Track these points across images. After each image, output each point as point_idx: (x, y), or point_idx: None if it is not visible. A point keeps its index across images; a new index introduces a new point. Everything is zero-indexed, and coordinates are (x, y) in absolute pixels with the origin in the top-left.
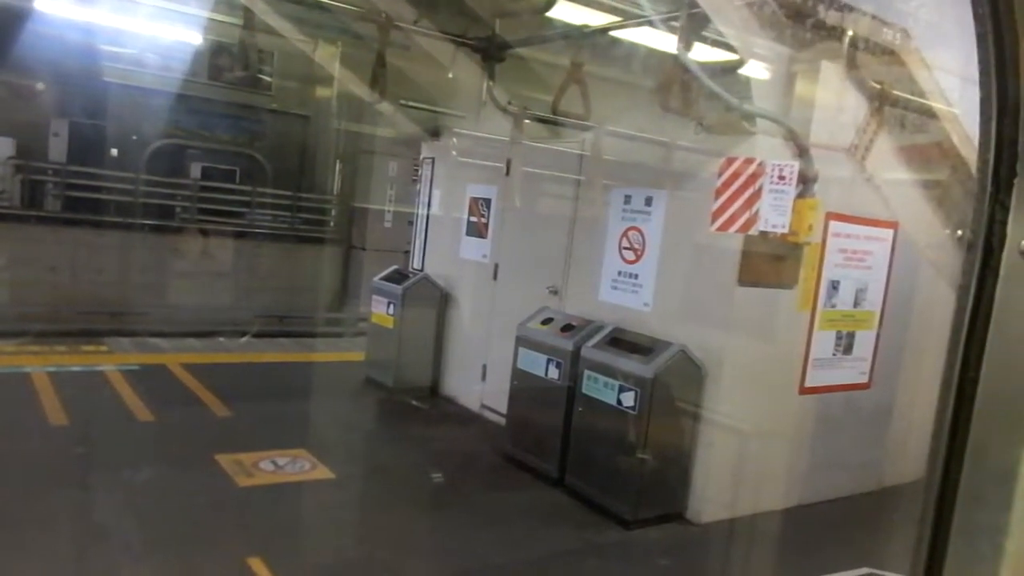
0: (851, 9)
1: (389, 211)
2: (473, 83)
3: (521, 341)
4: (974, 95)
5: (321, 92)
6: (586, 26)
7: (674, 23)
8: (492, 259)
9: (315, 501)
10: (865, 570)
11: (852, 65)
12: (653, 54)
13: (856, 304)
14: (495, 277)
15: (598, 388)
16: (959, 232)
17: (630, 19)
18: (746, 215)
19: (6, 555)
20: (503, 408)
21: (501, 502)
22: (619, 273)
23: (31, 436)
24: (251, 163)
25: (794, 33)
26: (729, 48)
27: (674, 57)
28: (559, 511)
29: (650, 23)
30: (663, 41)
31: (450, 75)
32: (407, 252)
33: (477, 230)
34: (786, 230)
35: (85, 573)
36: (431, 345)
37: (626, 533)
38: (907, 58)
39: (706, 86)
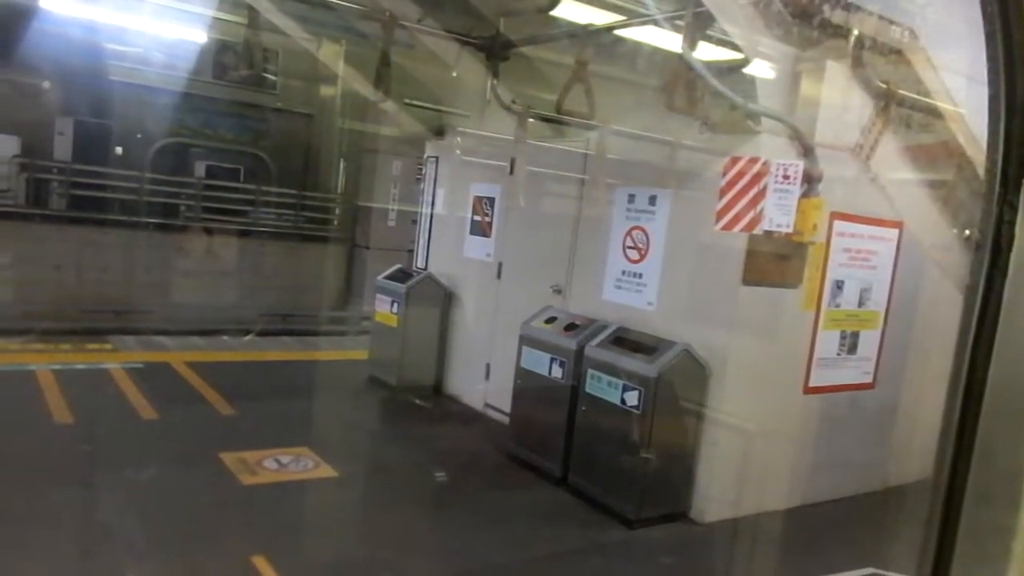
0: (857, 8)
1: (393, 210)
2: (477, 82)
3: (525, 340)
4: (980, 95)
5: (325, 91)
6: (591, 25)
7: (679, 22)
8: (496, 258)
9: (318, 499)
10: (869, 570)
11: (858, 64)
12: (658, 53)
13: (860, 304)
14: (499, 276)
15: (602, 387)
16: (966, 232)
17: (635, 18)
18: (750, 214)
19: (12, 552)
20: (506, 407)
21: (504, 501)
22: (623, 272)
23: (36, 434)
24: (255, 162)
25: (799, 32)
26: (734, 47)
27: (679, 56)
28: (562, 510)
29: (655, 22)
30: (668, 40)
31: (454, 74)
32: (411, 251)
33: (481, 229)
34: (790, 229)
35: (90, 571)
36: (435, 344)
37: (629, 532)
38: (913, 57)
39: (711, 85)
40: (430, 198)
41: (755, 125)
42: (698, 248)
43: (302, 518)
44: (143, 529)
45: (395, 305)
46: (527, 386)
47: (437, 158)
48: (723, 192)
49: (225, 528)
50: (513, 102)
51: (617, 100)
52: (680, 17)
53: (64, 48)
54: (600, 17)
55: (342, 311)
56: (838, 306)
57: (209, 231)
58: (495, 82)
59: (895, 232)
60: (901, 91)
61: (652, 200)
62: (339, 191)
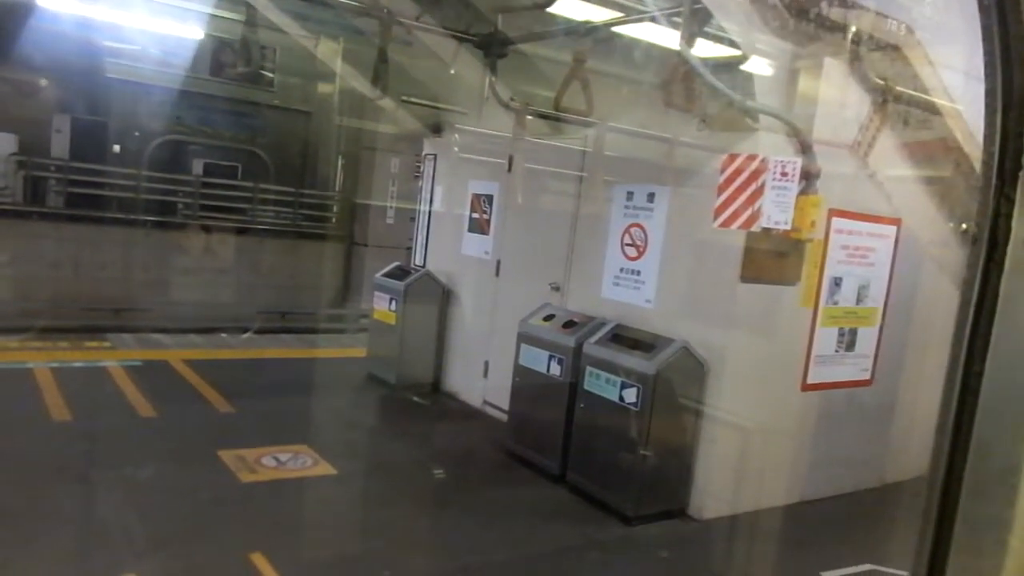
0: (854, 5)
1: (391, 207)
2: (475, 79)
3: (523, 337)
4: (977, 90)
5: (323, 88)
6: (588, 22)
7: (677, 19)
8: (494, 255)
9: (317, 497)
10: (867, 566)
11: (855, 61)
12: (656, 50)
13: (859, 301)
14: (497, 273)
15: (600, 384)
16: (963, 226)
17: (632, 15)
18: (748, 211)
19: (11, 549)
20: (505, 404)
21: (503, 498)
22: (621, 269)
23: (34, 432)
24: (253, 159)
25: (797, 28)
26: (732, 44)
27: (677, 53)
28: (561, 507)
29: (652, 19)
30: (666, 37)
31: (452, 71)
32: (409, 248)
33: (479, 226)
34: (788, 226)
35: (88, 568)
36: (433, 341)
37: (628, 529)
38: (910, 54)
39: (709, 82)
40: (428, 195)
41: (753, 122)
42: (696, 245)
43: (301, 515)
44: (142, 526)
45: (393, 303)
46: (525, 383)
47: (435, 155)
48: (721, 189)
49: (223, 526)
50: (511, 99)
51: (615, 97)
52: (678, 13)
53: (61, 45)
54: (598, 14)
55: (340, 309)
56: (836, 303)
57: (207, 229)
58: (493, 79)
59: (893, 229)
60: (899, 87)
61: (650, 197)
62: (337, 188)
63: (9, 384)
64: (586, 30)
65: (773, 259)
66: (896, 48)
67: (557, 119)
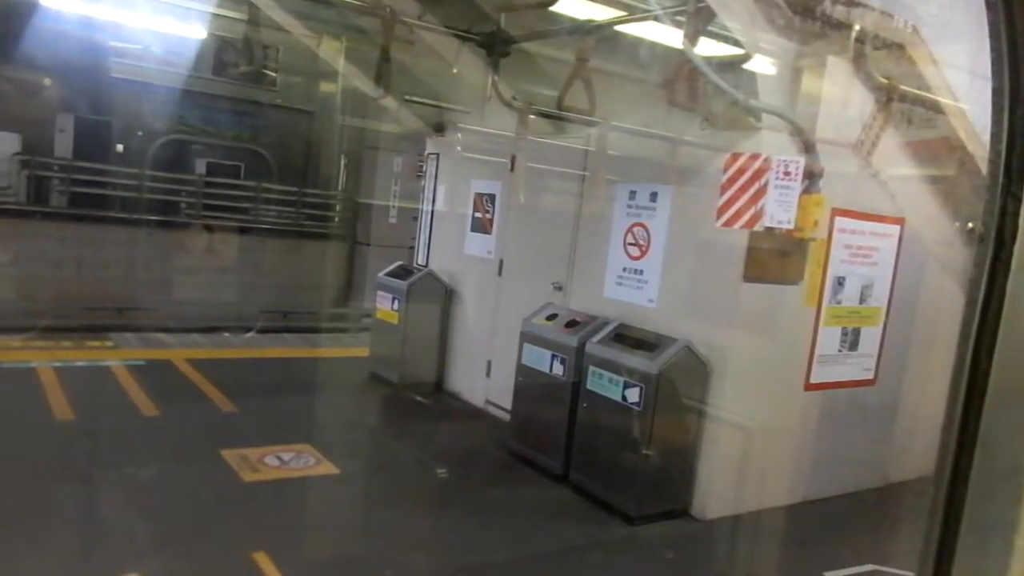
0: (858, 4)
1: (394, 207)
2: (478, 78)
3: (525, 337)
4: (982, 89)
5: (326, 87)
6: (591, 21)
7: (680, 18)
8: (497, 255)
9: (320, 496)
10: (870, 567)
11: (859, 60)
12: (659, 49)
13: (862, 300)
14: (500, 273)
15: (603, 384)
16: (969, 225)
17: (636, 13)
18: (751, 211)
19: (15, 548)
20: (507, 404)
21: (505, 498)
22: (624, 269)
23: (37, 431)
24: (256, 159)
25: (801, 27)
26: (735, 43)
27: (680, 52)
28: (563, 507)
29: (656, 17)
30: (669, 36)
31: (454, 70)
32: (412, 248)
33: (482, 226)
34: (791, 226)
35: (92, 567)
36: (436, 341)
37: (630, 529)
38: (915, 53)
39: (712, 81)
40: (431, 195)
41: (756, 121)
42: (699, 245)
43: (304, 515)
44: (145, 525)
45: (396, 302)
46: (528, 383)
47: (438, 155)
48: (724, 188)
49: (226, 525)
50: (514, 98)
51: (618, 96)
52: (681, 13)
53: (64, 45)
54: (601, 13)
55: (343, 308)
56: (839, 303)
57: (210, 228)
58: (496, 78)
59: (896, 228)
60: (903, 86)
61: (653, 196)
62: (340, 188)
63: (12, 383)
64: (589, 29)
65: (776, 258)
66: (900, 46)
67: (560, 118)
